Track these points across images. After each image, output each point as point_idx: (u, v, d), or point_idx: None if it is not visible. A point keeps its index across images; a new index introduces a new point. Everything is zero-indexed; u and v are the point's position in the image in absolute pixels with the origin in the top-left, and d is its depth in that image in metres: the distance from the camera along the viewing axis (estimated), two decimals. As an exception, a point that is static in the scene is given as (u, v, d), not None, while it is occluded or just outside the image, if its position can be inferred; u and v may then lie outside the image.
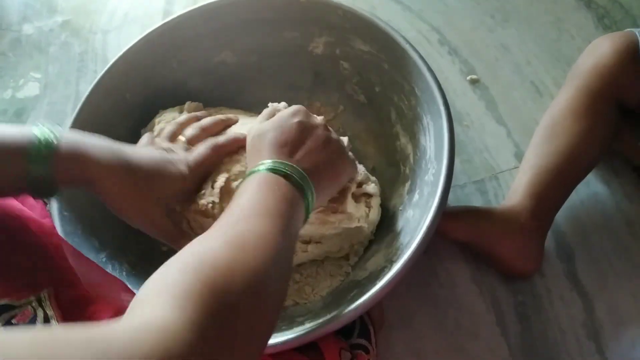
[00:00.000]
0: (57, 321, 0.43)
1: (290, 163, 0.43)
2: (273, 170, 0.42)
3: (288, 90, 0.75)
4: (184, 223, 0.59)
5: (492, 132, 0.75)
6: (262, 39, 0.71)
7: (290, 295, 0.63)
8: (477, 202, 0.70)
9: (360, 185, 0.60)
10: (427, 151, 0.60)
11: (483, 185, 0.71)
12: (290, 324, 0.56)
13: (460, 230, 0.65)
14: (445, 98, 0.57)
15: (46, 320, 0.43)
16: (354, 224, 0.58)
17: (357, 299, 0.51)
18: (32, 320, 0.42)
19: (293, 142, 0.46)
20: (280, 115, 0.49)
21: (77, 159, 0.43)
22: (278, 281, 0.35)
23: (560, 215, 0.66)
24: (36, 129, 0.42)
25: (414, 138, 0.64)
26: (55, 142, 0.42)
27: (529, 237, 0.63)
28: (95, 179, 0.44)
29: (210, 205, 0.56)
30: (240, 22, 0.70)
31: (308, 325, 0.53)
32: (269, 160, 0.43)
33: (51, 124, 0.43)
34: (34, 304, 0.43)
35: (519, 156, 0.73)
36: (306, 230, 0.57)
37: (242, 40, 0.72)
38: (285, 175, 0.42)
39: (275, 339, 0.51)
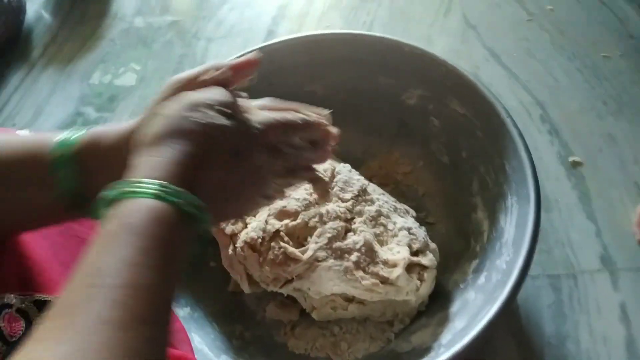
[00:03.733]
0: None
1: (182, 190, 0.33)
2: (160, 197, 0.31)
3: (370, 134, 0.73)
4: (230, 246, 0.57)
5: (580, 226, 0.68)
6: (356, 78, 0.70)
7: (324, 347, 0.59)
8: (548, 298, 0.64)
9: (416, 253, 0.56)
10: (505, 234, 0.55)
11: (558, 281, 0.65)
12: (317, 380, 0.53)
13: None
14: (537, 185, 0.52)
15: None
16: (402, 297, 0.54)
17: (394, 376, 0.47)
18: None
19: (194, 155, 0.34)
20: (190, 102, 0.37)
21: (93, 146, 0.39)
22: None
23: None
24: (60, 134, 0.40)
25: (492, 215, 0.59)
26: (78, 138, 0.39)
27: None
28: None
29: (259, 240, 0.54)
30: (338, 58, 0.69)
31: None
32: (155, 182, 0.32)
33: (81, 127, 0.41)
34: None
35: (604, 260, 0.65)
36: (349, 290, 0.54)
37: (335, 76, 0.70)
38: (176, 208, 0.32)
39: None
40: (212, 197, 0.35)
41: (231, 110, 0.37)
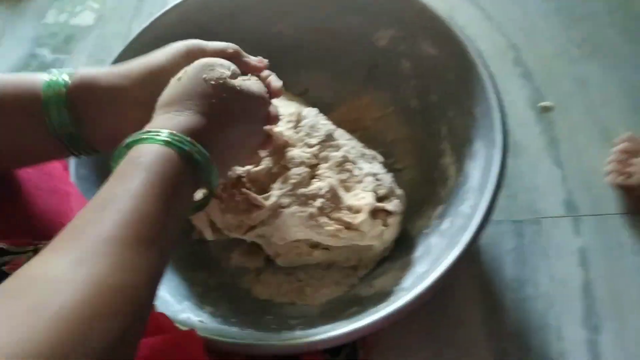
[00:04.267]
0: None
1: (190, 139, 0.36)
2: (169, 144, 0.35)
3: (339, 78, 0.71)
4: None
5: (546, 172, 0.68)
6: (325, 17, 0.67)
7: (289, 292, 0.59)
8: (510, 243, 0.64)
9: (381, 199, 0.55)
10: (470, 179, 0.55)
11: (521, 227, 0.65)
12: (280, 325, 0.53)
13: None
14: (505, 129, 0.51)
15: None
16: (365, 242, 0.54)
17: (355, 320, 0.47)
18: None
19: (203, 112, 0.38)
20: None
21: (87, 86, 0.41)
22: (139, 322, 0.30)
23: (599, 280, 0.60)
24: (46, 75, 0.40)
25: (459, 161, 0.58)
26: (66, 79, 0.40)
27: None
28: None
29: (221, 187, 0.52)
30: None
31: (298, 333, 0.49)
32: (166, 131, 0.35)
33: (62, 69, 0.42)
34: (30, 254, 0.41)
35: (569, 206, 0.66)
36: (314, 236, 0.53)
37: (304, 15, 0.67)
38: (183, 154, 0.35)
39: (259, 341, 0.47)
40: (221, 153, 0.39)
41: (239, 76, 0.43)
